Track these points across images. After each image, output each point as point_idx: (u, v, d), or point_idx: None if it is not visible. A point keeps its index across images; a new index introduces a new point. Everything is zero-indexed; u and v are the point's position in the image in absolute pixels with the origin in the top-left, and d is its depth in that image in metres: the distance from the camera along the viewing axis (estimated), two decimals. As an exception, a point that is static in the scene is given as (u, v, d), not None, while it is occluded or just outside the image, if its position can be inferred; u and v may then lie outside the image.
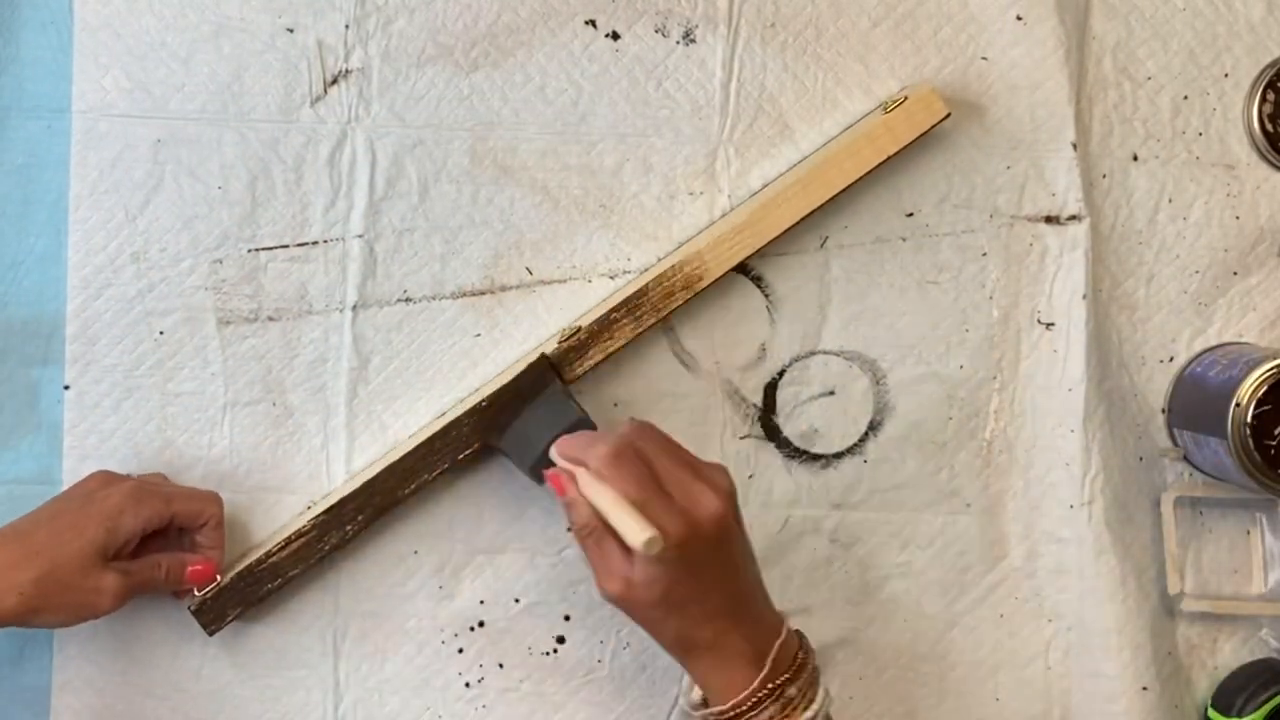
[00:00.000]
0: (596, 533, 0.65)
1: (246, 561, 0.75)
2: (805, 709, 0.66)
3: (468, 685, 0.78)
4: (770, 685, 0.65)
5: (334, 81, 0.78)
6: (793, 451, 0.80)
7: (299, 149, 0.77)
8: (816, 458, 0.80)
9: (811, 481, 0.80)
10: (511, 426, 0.74)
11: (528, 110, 0.78)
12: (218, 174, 0.77)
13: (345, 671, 0.78)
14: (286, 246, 0.78)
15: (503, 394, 0.75)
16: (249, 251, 0.77)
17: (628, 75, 0.79)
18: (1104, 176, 0.81)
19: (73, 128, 0.77)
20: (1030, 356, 0.80)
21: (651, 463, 0.65)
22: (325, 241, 0.78)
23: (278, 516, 0.77)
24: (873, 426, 0.80)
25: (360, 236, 0.78)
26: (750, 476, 0.80)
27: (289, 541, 0.75)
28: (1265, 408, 0.74)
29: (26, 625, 0.68)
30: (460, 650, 0.78)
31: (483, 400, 0.75)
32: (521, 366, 0.75)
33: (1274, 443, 0.75)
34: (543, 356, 0.75)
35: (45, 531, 0.69)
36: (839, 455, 0.80)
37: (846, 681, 0.80)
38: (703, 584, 0.65)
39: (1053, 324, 0.80)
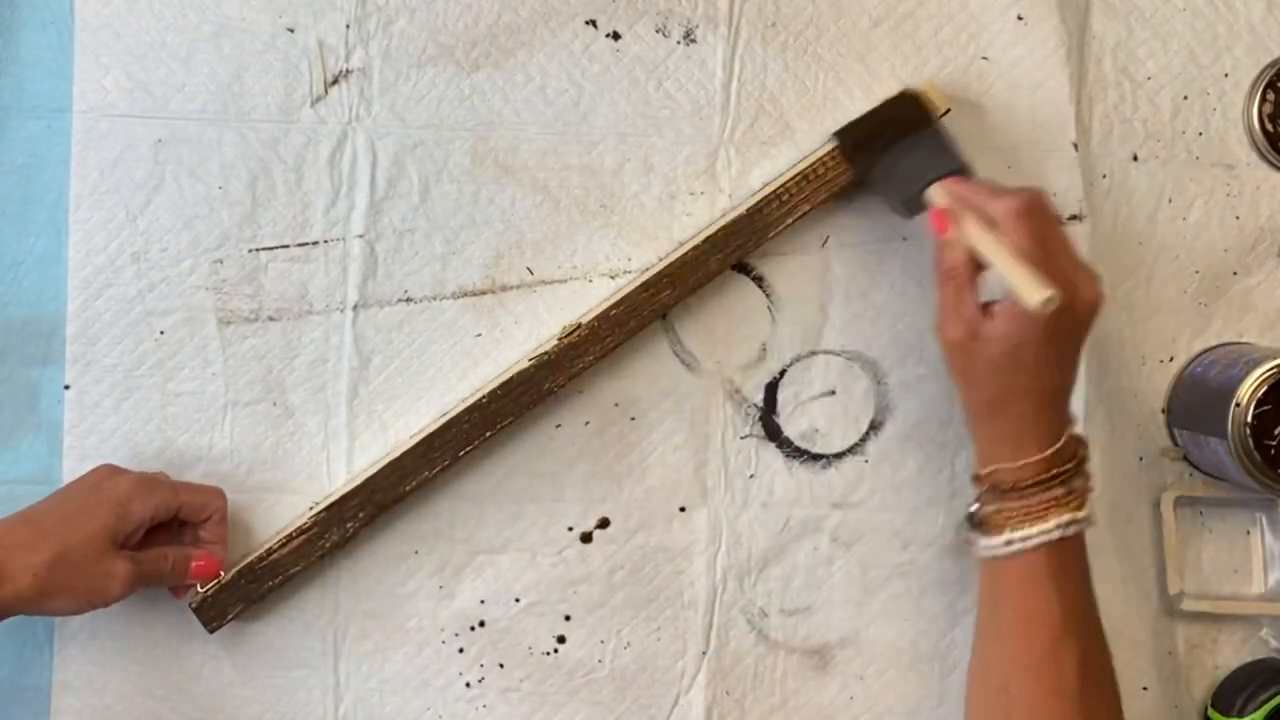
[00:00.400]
0: (960, 277, 0.68)
1: (248, 559, 0.75)
2: (1079, 508, 0.69)
3: (468, 685, 0.78)
4: (1055, 470, 0.68)
5: (335, 81, 0.78)
6: (794, 451, 0.80)
7: (299, 149, 0.77)
8: (817, 457, 0.80)
9: (813, 481, 0.80)
10: (883, 158, 0.76)
11: (529, 110, 0.78)
12: (218, 174, 0.77)
13: (346, 671, 0.78)
14: (287, 246, 0.78)
15: (876, 121, 0.76)
16: (249, 251, 0.77)
17: (628, 75, 0.79)
18: (1104, 176, 0.81)
19: (73, 128, 0.77)
20: (1031, 356, 0.80)
21: (1047, 231, 0.67)
22: (326, 241, 0.78)
23: (279, 516, 0.77)
24: (874, 426, 0.80)
25: (361, 236, 0.78)
26: (751, 476, 0.80)
27: (290, 539, 0.75)
28: (1265, 408, 0.74)
29: (36, 611, 0.68)
30: (461, 650, 0.78)
31: (846, 129, 0.77)
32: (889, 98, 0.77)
33: (1274, 443, 0.75)
34: (914, 94, 0.77)
35: (56, 516, 0.69)
36: (840, 455, 0.80)
37: (847, 681, 0.80)
38: (1041, 360, 0.67)
39: (1053, 324, 0.80)
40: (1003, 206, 0.67)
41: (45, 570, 0.66)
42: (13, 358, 0.77)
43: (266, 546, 0.75)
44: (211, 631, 0.75)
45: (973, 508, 0.72)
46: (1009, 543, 0.69)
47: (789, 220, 0.77)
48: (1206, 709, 0.81)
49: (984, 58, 0.80)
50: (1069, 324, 0.67)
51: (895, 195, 0.75)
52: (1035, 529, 0.68)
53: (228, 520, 0.75)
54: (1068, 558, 0.69)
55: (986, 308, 0.68)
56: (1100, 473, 0.79)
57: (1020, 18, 0.79)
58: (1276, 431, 0.75)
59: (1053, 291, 0.62)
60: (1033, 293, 0.62)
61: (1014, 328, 0.66)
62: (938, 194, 0.72)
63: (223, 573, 0.74)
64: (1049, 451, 0.68)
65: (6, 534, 0.67)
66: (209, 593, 0.74)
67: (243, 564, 0.75)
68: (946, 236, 0.69)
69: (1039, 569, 0.68)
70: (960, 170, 0.73)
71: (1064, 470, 0.69)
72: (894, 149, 0.75)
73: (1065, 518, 0.68)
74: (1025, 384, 0.68)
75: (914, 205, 0.74)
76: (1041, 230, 0.66)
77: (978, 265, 0.68)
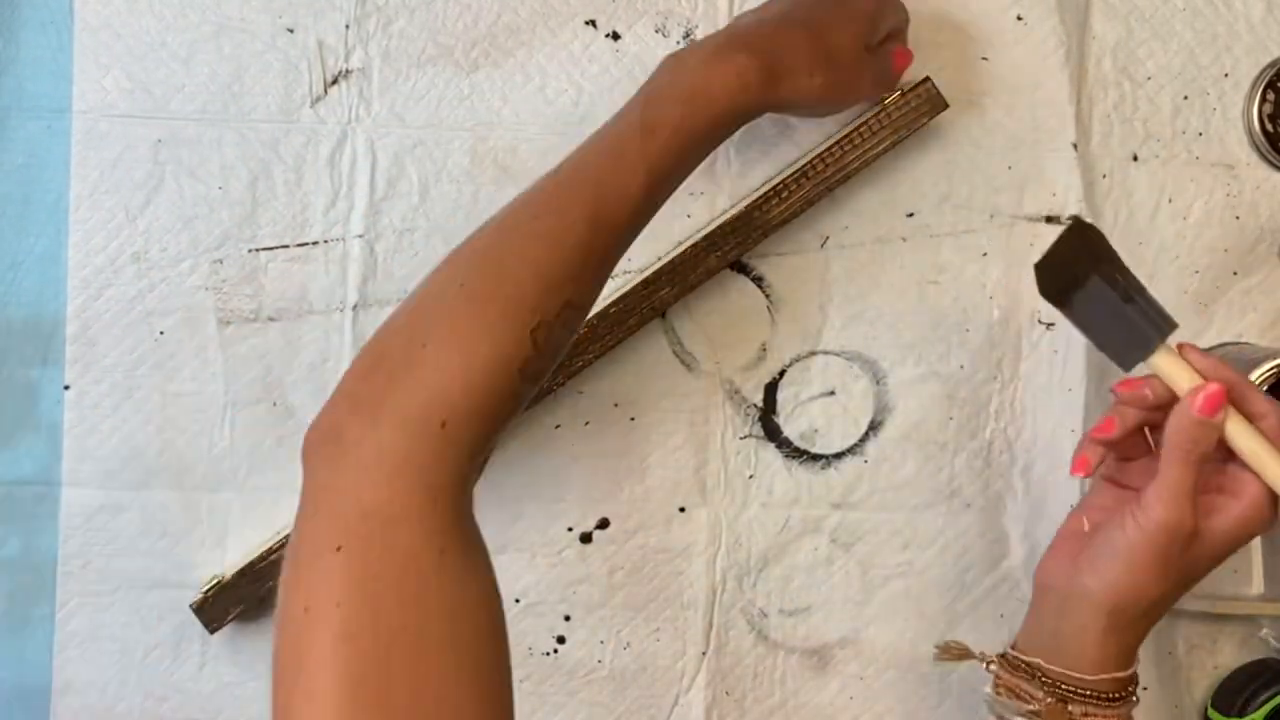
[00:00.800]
0: (1208, 463, 0.62)
1: (249, 559, 0.75)
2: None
3: (468, 685, 0.78)
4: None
5: (334, 82, 0.78)
6: (793, 451, 0.80)
7: (299, 149, 0.77)
8: (817, 458, 0.80)
9: (812, 481, 0.80)
10: (1081, 298, 0.63)
11: (528, 110, 0.78)
12: (218, 174, 0.77)
13: (346, 672, 0.78)
14: (287, 246, 0.78)
15: (1069, 252, 0.64)
16: (249, 252, 0.77)
17: (628, 75, 0.79)
18: (1104, 176, 0.81)
19: (73, 128, 0.77)
20: (1030, 357, 0.80)
21: None
22: (326, 242, 0.78)
23: (278, 517, 0.77)
24: (873, 426, 0.80)
25: (361, 236, 0.78)
26: (750, 476, 0.80)
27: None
28: (1265, 407, 0.74)
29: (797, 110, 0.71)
30: (461, 650, 0.78)
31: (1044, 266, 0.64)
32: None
33: (1274, 442, 0.75)
34: (1091, 227, 0.65)
35: (820, 19, 0.69)
36: (839, 455, 0.80)
37: (847, 682, 0.80)
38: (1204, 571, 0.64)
39: (1053, 324, 0.80)
40: (1272, 408, 0.62)
41: (824, 70, 0.67)
42: (12, 358, 0.77)
43: (267, 546, 0.75)
44: (212, 632, 0.75)
45: (1043, 697, 0.65)
46: None
47: (787, 217, 0.76)
48: (1206, 709, 0.81)
49: (984, 58, 0.80)
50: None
51: (1108, 345, 0.64)
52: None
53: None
54: None
55: (1202, 507, 0.62)
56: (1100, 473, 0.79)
57: (1020, 18, 0.79)
58: (1277, 431, 0.75)
59: None
60: None
61: (1236, 536, 0.62)
62: (1186, 363, 0.63)
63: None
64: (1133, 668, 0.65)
65: (790, 44, 0.67)
66: (209, 593, 0.74)
67: (243, 564, 0.75)
68: (1217, 420, 0.61)
69: None
70: (1170, 326, 0.64)
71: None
72: (1089, 289, 0.63)
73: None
74: (1179, 590, 0.63)
75: (1131, 359, 0.64)
76: None
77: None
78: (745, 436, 0.80)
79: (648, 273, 0.76)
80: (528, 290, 0.56)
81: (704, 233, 0.76)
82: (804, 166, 0.76)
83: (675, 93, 0.63)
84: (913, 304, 0.80)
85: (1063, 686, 0.64)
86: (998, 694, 0.67)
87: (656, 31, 0.79)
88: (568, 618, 0.79)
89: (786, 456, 0.80)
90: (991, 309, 0.80)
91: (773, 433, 0.80)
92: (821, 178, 0.76)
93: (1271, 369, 0.74)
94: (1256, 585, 0.82)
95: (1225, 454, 0.62)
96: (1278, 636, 0.82)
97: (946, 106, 0.76)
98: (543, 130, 0.78)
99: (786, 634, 0.80)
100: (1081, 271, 0.63)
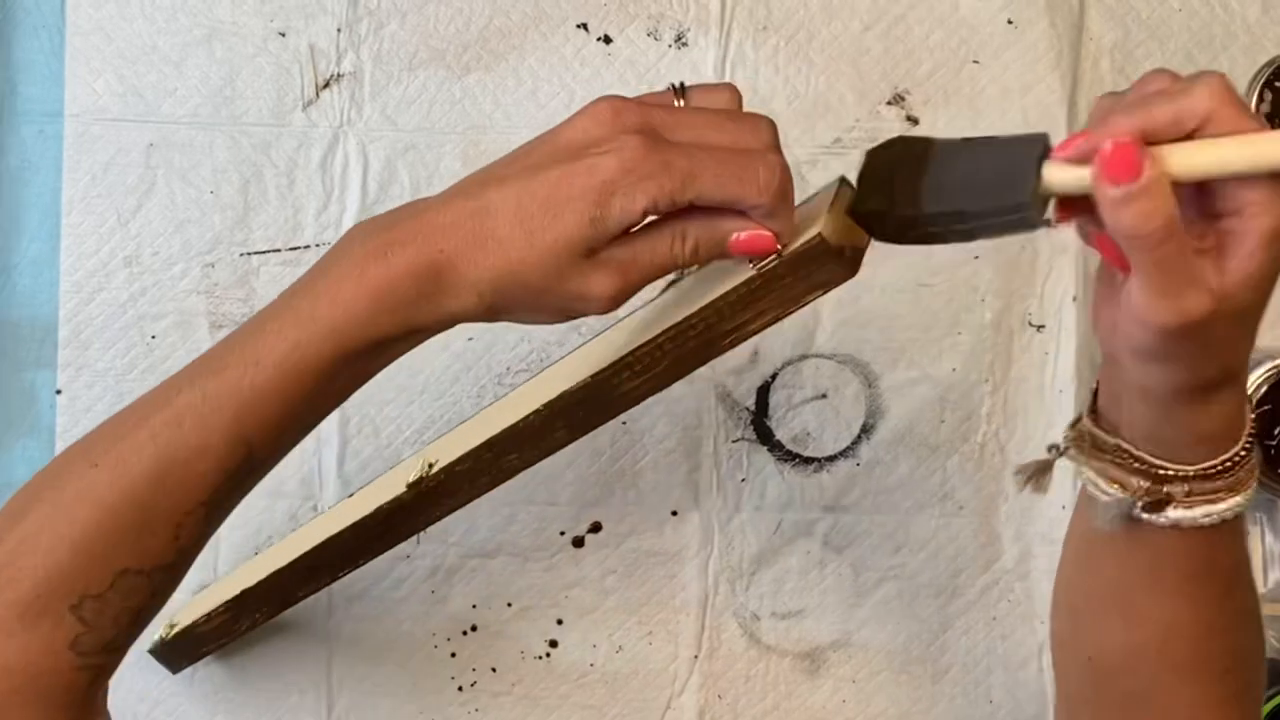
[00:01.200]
0: (1177, 232, 0.44)
1: (182, 626, 0.74)
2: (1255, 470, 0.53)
3: (460, 689, 0.79)
4: (1251, 440, 0.51)
5: (326, 85, 0.78)
6: (785, 454, 0.80)
7: (291, 153, 0.77)
8: (809, 461, 0.80)
9: (804, 484, 0.80)
10: (922, 193, 0.50)
11: (520, 114, 0.78)
12: (210, 178, 0.77)
13: (338, 675, 0.78)
14: (279, 250, 0.78)
15: (880, 171, 0.51)
16: (241, 255, 0.77)
17: (620, 79, 0.79)
18: (1101, 177, 0.81)
19: (65, 132, 0.77)
20: (1022, 359, 0.80)
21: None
22: (318, 245, 0.78)
23: (269, 523, 0.77)
24: (865, 429, 0.80)
25: (352, 240, 0.78)
26: (743, 480, 0.80)
27: (210, 617, 0.72)
28: (1265, 408, 0.74)
29: (492, 320, 0.52)
30: (453, 654, 0.78)
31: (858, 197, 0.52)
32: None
33: (1274, 443, 0.75)
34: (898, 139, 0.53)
35: (513, 206, 0.49)
36: (832, 458, 0.80)
37: (839, 685, 0.80)
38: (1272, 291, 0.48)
39: (1043, 326, 0.80)
40: (1205, 91, 0.45)
41: (492, 291, 0.49)
42: (6, 362, 0.77)
43: (194, 619, 0.73)
44: (174, 673, 0.76)
45: (1136, 483, 0.52)
46: (1207, 516, 0.51)
47: (645, 392, 0.59)
48: (1200, 712, 0.81)
49: (975, 61, 0.80)
50: None
51: (988, 214, 0.49)
52: (1232, 501, 0.51)
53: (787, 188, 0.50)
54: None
55: (1220, 258, 0.46)
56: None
57: (1010, 22, 0.79)
58: (1276, 431, 0.75)
59: None
60: None
61: (1273, 246, 0.45)
62: (1084, 144, 0.46)
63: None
64: (1251, 421, 0.51)
65: (453, 230, 0.49)
66: (166, 638, 0.74)
67: (186, 625, 0.73)
68: (1144, 180, 0.44)
69: (1229, 535, 0.53)
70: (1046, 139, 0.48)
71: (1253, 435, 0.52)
72: (927, 179, 0.50)
73: (1253, 485, 0.52)
74: (1256, 330, 0.49)
75: (1028, 211, 0.47)
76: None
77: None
78: (737, 440, 0.80)
79: (492, 433, 0.62)
80: (64, 564, 0.48)
81: (546, 400, 0.60)
82: (660, 339, 0.55)
83: (299, 310, 0.50)
84: (905, 307, 0.80)
85: (1156, 470, 0.52)
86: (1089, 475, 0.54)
87: (648, 35, 0.79)
88: (560, 621, 0.79)
89: (779, 460, 0.80)
90: (983, 312, 0.80)
91: (765, 436, 0.80)
92: (682, 351, 0.56)
93: (1271, 369, 0.74)
94: (1257, 585, 0.82)
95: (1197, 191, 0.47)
96: (1278, 636, 0.82)
97: (853, 274, 0.52)
98: (534, 133, 0.78)
99: (779, 637, 0.80)
100: (911, 171, 0.50)
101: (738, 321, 0.54)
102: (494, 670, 0.79)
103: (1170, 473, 0.51)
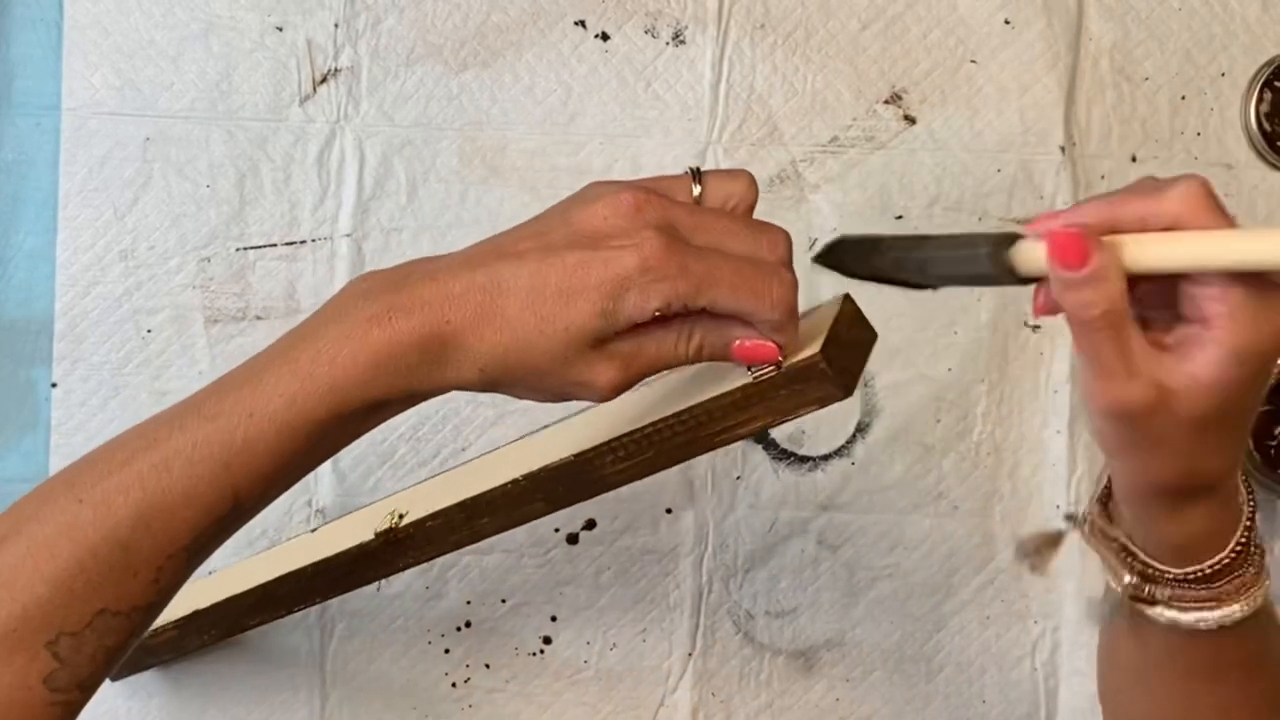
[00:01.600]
0: (1119, 319, 0.45)
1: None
2: (1266, 579, 0.52)
3: (454, 685, 0.79)
4: (1248, 537, 0.51)
5: (323, 80, 0.78)
6: (780, 453, 0.80)
7: (288, 148, 0.77)
8: (804, 460, 0.80)
9: (799, 483, 0.80)
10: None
11: (517, 110, 0.78)
12: (206, 172, 0.77)
13: (332, 670, 0.78)
14: (275, 245, 0.78)
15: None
16: (237, 250, 0.77)
17: (617, 76, 0.78)
18: (1102, 178, 0.81)
19: (62, 125, 0.77)
20: (1017, 359, 0.80)
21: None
22: (313, 240, 0.78)
23: (263, 519, 0.76)
24: (860, 429, 0.80)
25: (348, 235, 0.78)
26: (738, 478, 0.80)
27: (160, 632, 0.72)
28: (1265, 408, 0.74)
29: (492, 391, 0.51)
30: (447, 650, 0.78)
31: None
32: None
33: (1274, 443, 0.75)
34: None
35: (524, 291, 0.48)
36: (827, 457, 0.80)
37: (833, 683, 0.80)
38: (1248, 410, 0.48)
39: (1039, 327, 0.80)
40: (1178, 193, 0.45)
41: (494, 367, 0.49)
42: (2, 355, 0.77)
43: (151, 631, 0.72)
44: (113, 680, 0.75)
45: (1126, 579, 0.53)
46: (1203, 620, 0.52)
47: (625, 479, 0.58)
48: (1195, 712, 0.81)
49: (972, 60, 0.80)
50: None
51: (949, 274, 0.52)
52: (1238, 605, 0.52)
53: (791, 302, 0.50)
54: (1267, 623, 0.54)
55: (1165, 351, 0.47)
56: (1086, 474, 0.79)
57: (1008, 22, 0.79)
58: (1276, 431, 0.75)
59: None
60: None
61: (1231, 362, 0.45)
62: (1051, 225, 0.47)
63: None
64: (1242, 530, 0.51)
65: (462, 302, 0.48)
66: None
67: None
68: (1089, 269, 0.45)
69: (1255, 631, 0.53)
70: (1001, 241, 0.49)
71: (1251, 545, 0.52)
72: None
73: (1260, 595, 0.52)
74: (1231, 443, 0.49)
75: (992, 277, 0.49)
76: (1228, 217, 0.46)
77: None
78: (732, 438, 0.80)
79: (467, 495, 0.62)
80: (43, 600, 0.47)
81: (526, 471, 0.60)
82: (648, 430, 0.55)
83: (296, 364, 0.49)
84: (900, 306, 0.80)
85: (1144, 568, 0.53)
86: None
87: (646, 33, 0.79)
88: (554, 618, 0.79)
89: (774, 458, 0.80)
90: (979, 312, 0.80)
91: (760, 434, 0.80)
92: (669, 445, 0.55)
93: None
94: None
95: (1166, 298, 0.47)
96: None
97: (847, 395, 0.52)
98: (531, 130, 0.78)
99: (773, 635, 0.80)
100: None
101: (727, 424, 0.54)
102: (488, 666, 0.79)
103: (1154, 572, 0.52)
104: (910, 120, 0.79)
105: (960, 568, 0.81)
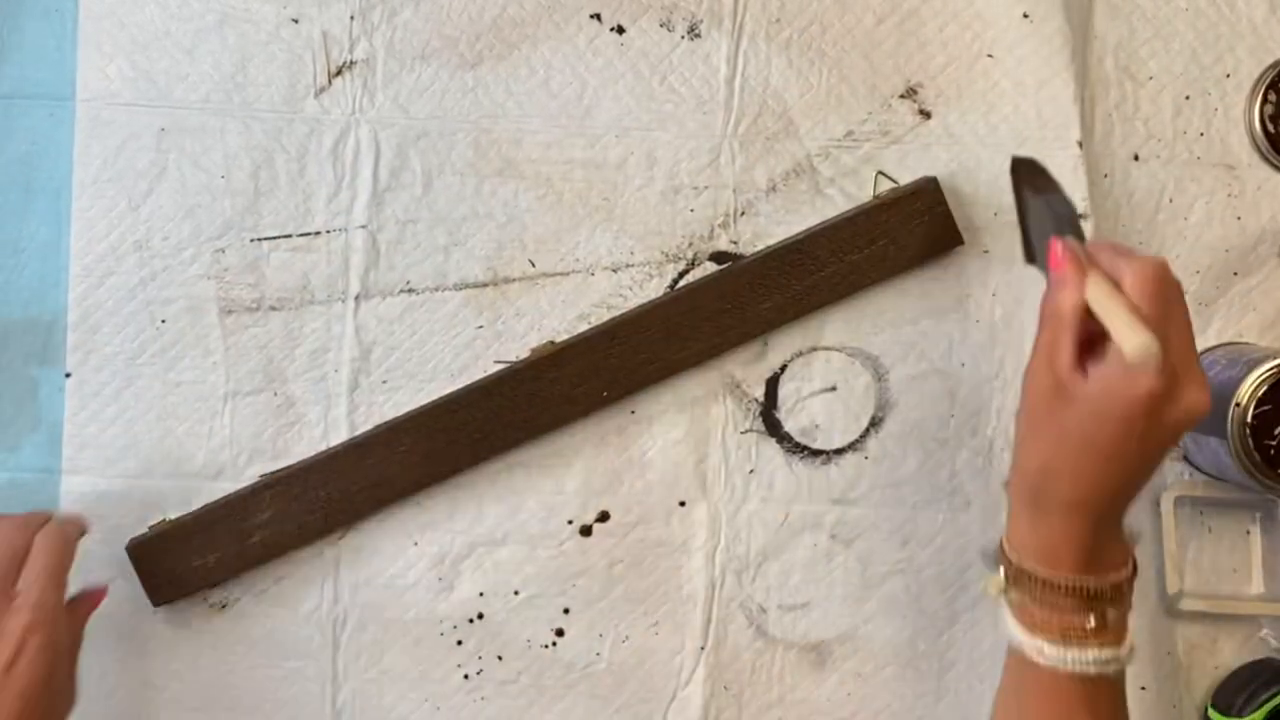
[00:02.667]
0: (1064, 321, 0.60)
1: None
2: (1117, 643, 0.62)
3: (466, 677, 0.78)
4: (1090, 600, 0.61)
5: (338, 73, 0.78)
6: (794, 447, 0.80)
7: (303, 139, 0.77)
8: (817, 453, 0.80)
9: (812, 477, 0.80)
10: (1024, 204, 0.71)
11: (532, 104, 0.78)
12: (221, 163, 0.77)
13: (344, 662, 0.78)
14: (289, 236, 0.78)
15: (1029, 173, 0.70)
16: (251, 241, 0.77)
17: (632, 70, 0.79)
18: (1105, 176, 0.81)
19: (76, 116, 0.77)
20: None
21: (1172, 310, 0.60)
22: (328, 232, 0.78)
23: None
24: (874, 423, 0.80)
25: (363, 227, 0.78)
26: (751, 471, 0.80)
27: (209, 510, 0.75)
28: (1265, 408, 0.74)
29: None
30: (459, 642, 0.78)
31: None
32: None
33: (1274, 443, 0.75)
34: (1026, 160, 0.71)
35: None
36: (840, 451, 0.80)
37: (845, 678, 0.80)
38: (1116, 449, 0.59)
39: (1054, 322, 0.80)
40: (1136, 266, 0.60)
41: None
42: (14, 346, 0.77)
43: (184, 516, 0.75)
44: (155, 605, 0.76)
45: (1001, 572, 0.65)
46: (1040, 652, 0.62)
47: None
48: (1206, 709, 0.81)
49: (989, 55, 0.80)
50: (1160, 423, 0.58)
51: (1026, 240, 0.72)
52: (1070, 654, 0.61)
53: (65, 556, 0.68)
54: (1101, 694, 0.62)
55: (1084, 367, 0.60)
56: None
57: (1025, 15, 0.79)
58: (1276, 431, 0.75)
59: (1152, 340, 0.55)
60: (1131, 337, 0.56)
61: (1105, 397, 0.58)
62: (1063, 244, 0.64)
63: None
64: (1089, 583, 0.61)
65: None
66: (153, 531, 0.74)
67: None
68: (1060, 272, 0.61)
69: (1071, 695, 0.62)
70: (1079, 233, 0.65)
71: (1100, 603, 0.61)
72: (1034, 200, 0.69)
73: (1106, 654, 0.61)
74: (1090, 474, 0.60)
75: (1031, 252, 0.71)
76: (1166, 305, 0.59)
77: (1087, 315, 0.61)
78: (746, 431, 0.80)
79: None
80: None
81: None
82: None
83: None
84: (915, 300, 0.80)
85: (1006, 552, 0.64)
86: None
87: (661, 26, 0.79)
88: (567, 610, 0.79)
89: (787, 452, 0.80)
90: (994, 306, 0.80)
91: (774, 428, 0.80)
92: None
93: (1271, 369, 0.74)
94: (1256, 585, 0.82)
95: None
96: (1278, 636, 0.82)
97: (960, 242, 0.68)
98: (546, 124, 0.78)
99: (785, 629, 0.80)
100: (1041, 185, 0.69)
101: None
102: (500, 658, 0.78)
103: (1012, 559, 0.63)
104: (925, 115, 0.80)
105: (973, 563, 0.81)
